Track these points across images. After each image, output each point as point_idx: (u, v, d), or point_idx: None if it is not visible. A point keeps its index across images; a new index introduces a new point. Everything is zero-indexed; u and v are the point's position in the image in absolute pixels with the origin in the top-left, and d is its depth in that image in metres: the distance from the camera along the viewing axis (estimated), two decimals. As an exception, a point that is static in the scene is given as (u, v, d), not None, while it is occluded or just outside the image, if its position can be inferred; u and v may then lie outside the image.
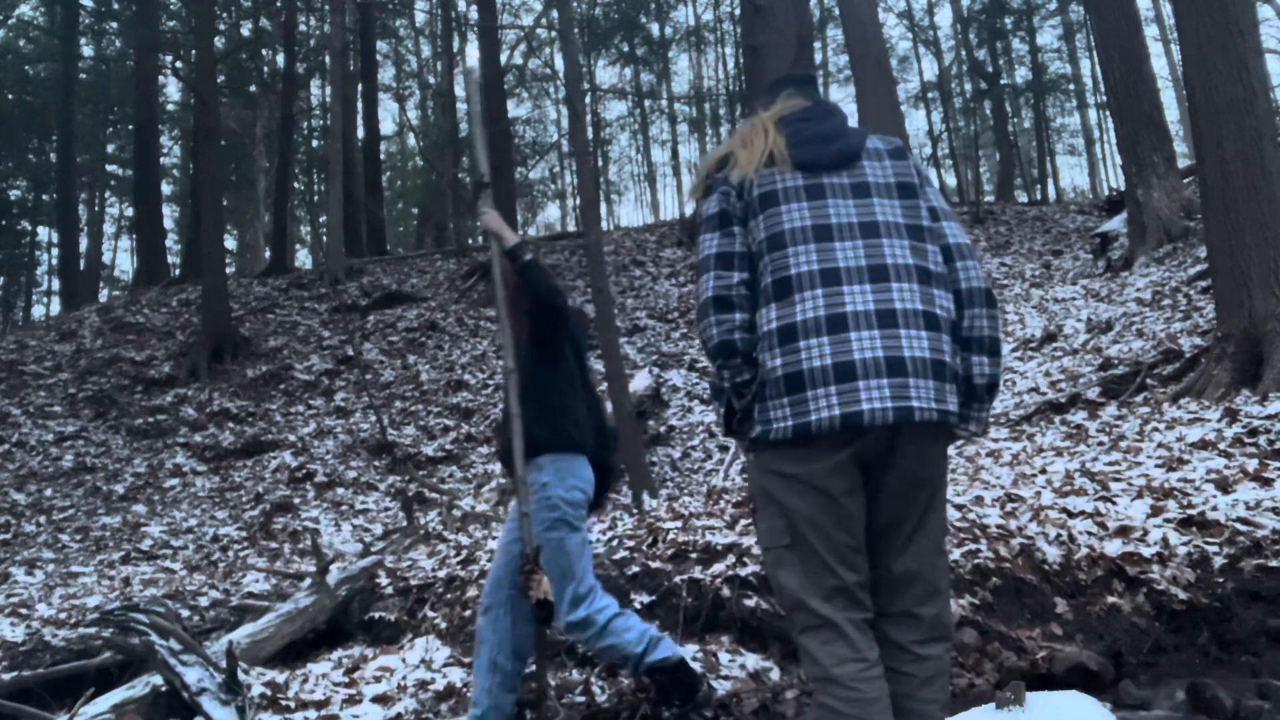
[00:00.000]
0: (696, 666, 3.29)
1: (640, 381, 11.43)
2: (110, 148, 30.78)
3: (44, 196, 28.34)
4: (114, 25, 24.47)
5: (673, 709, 3.06)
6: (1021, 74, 30.61)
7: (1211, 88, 6.75)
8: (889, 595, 2.05)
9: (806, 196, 2.03)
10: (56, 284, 27.60)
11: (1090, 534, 3.94)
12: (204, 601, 5.80)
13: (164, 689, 3.62)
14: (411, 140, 33.11)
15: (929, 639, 2.04)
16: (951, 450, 5.74)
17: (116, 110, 28.79)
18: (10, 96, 25.16)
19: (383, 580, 5.23)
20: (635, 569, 4.12)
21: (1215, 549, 3.78)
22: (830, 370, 1.91)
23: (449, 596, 4.75)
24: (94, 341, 16.52)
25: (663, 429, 11.08)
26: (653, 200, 36.08)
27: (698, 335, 2.10)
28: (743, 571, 3.93)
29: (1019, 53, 30.34)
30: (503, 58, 21.19)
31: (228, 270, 19.42)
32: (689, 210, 24.35)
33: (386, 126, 32.89)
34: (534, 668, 3.25)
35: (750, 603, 3.82)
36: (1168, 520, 4.02)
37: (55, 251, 28.04)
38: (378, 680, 3.87)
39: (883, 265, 1.98)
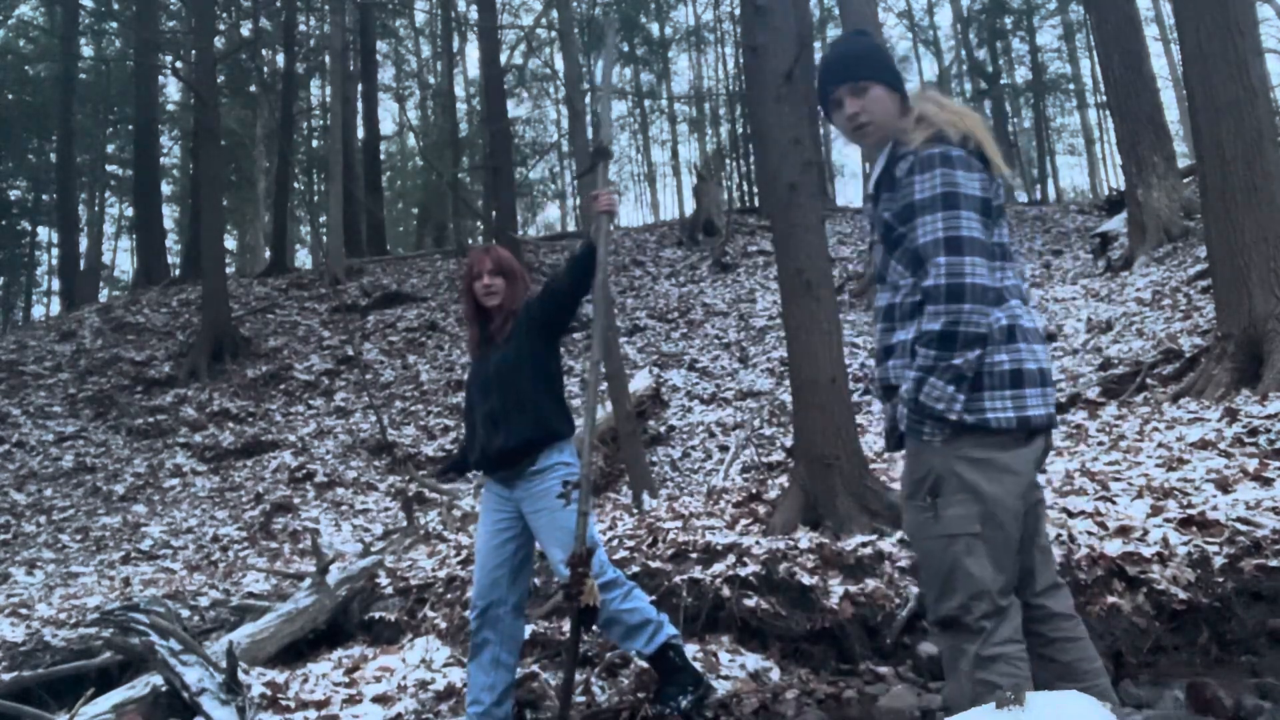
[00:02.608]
0: (696, 666, 3.28)
1: (640, 381, 11.42)
2: (110, 148, 30.79)
3: (44, 196, 28.38)
4: (114, 25, 24.45)
5: (687, 695, 3.03)
6: (1021, 74, 30.68)
7: (1211, 88, 6.74)
8: (1040, 573, 2.24)
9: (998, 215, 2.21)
10: (56, 284, 27.62)
11: (1090, 534, 3.93)
12: (204, 601, 5.79)
13: (164, 689, 3.62)
14: (411, 140, 33.12)
15: (1071, 603, 2.26)
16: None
17: (116, 110, 28.80)
18: (10, 96, 25.18)
19: (383, 580, 5.23)
20: (635, 569, 4.12)
21: (1215, 549, 3.77)
22: (1038, 373, 2.13)
23: (449, 596, 4.75)
24: (94, 341, 16.52)
25: (663, 429, 11.07)
26: (653, 200, 36.15)
27: (956, 314, 2.03)
28: (743, 571, 3.93)
29: (1019, 53, 30.42)
30: (503, 58, 21.18)
31: (228, 270, 19.43)
32: (691, 209, 24.32)
33: (386, 126, 32.92)
34: (533, 668, 3.25)
35: (750, 603, 3.82)
36: (1168, 520, 4.01)
37: (55, 251, 28.08)
38: (378, 680, 3.87)
39: (1024, 286, 2.24)
